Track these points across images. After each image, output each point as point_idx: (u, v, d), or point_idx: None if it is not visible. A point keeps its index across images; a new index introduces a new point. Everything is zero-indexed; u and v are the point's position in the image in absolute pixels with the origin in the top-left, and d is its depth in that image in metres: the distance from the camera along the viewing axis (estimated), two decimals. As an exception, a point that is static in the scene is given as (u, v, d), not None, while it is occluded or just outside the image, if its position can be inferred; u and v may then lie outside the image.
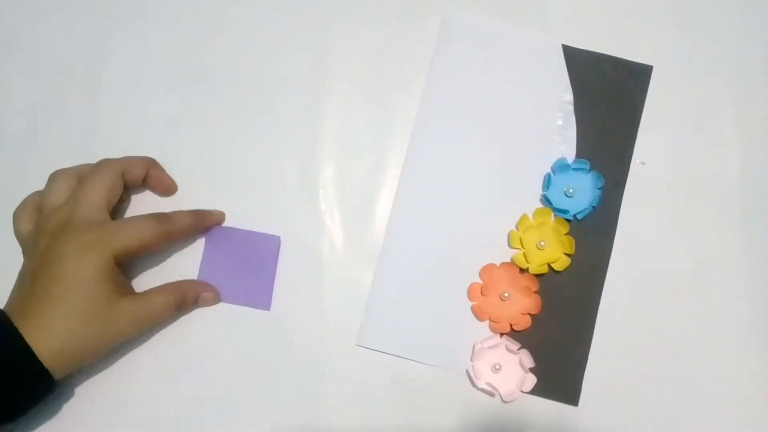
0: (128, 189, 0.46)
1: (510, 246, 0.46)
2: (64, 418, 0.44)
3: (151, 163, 0.46)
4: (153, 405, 0.45)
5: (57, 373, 0.39)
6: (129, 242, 0.41)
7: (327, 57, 0.49)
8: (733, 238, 0.47)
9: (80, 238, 0.40)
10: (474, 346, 0.45)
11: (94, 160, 0.47)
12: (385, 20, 0.49)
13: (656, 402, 0.45)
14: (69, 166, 0.45)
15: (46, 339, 0.38)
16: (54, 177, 0.44)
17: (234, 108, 0.48)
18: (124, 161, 0.44)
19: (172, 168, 0.47)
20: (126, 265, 0.43)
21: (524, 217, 0.46)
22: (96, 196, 0.42)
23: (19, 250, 0.43)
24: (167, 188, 0.47)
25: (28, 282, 0.40)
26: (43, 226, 0.42)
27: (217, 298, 0.46)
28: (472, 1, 0.49)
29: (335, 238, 0.47)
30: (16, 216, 0.44)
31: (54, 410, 0.44)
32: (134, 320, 0.41)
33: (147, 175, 0.45)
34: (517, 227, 0.47)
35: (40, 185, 0.46)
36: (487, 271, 0.46)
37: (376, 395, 0.45)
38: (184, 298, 0.44)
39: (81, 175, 0.44)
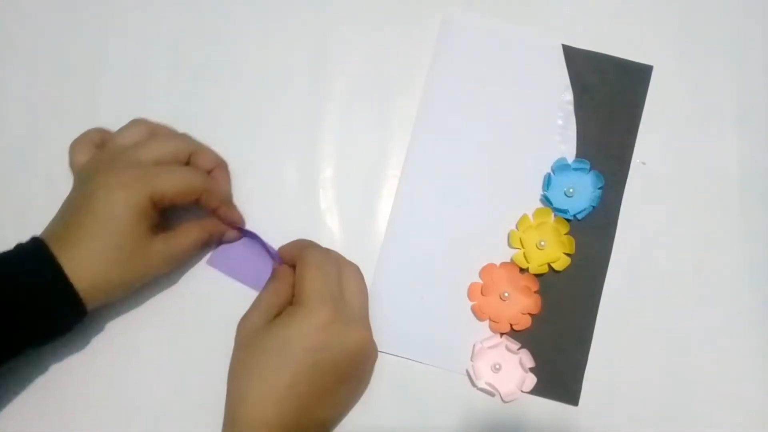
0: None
1: (510, 246, 0.46)
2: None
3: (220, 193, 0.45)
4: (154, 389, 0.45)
5: (88, 304, 0.39)
6: (167, 188, 0.41)
7: (327, 57, 0.49)
8: (732, 237, 0.47)
9: (120, 174, 0.41)
10: (474, 346, 0.45)
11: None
12: (385, 20, 0.49)
13: (656, 402, 0.45)
14: (69, 164, 0.45)
15: (80, 270, 0.39)
16: (132, 122, 0.45)
17: (234, 108, 0.48)
18: (205, 179, 0.44)
19: (172, 168, 0.47)
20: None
21: (524, 217, 0.46)
22: (156, 151, 0.42)
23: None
24: (232, 221, 0.46)
25: (69, 211, 0.41)
26: (95, 159, 0.43)
27: (239, 236, 0.46)
28: (472, 1, 0.49)
29: (335, 238, 0.47)
30: (74, 147, 0.44)
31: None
32: (165, 258, 0.42)
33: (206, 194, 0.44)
34: (517, 227, 0.47)
35: (41, 184, 0.46)
36: (487, 271, 0.46)
37: (376, 395, 0.45)
38: (210, 236, 0.45)
39: (156, 133, 0.45)
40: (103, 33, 0.49)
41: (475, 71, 0.49)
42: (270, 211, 0.47)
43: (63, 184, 0.46)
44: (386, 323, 0.46)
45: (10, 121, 0.48)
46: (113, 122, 0.48)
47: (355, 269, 0.44)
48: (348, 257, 0.46)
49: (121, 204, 0.40)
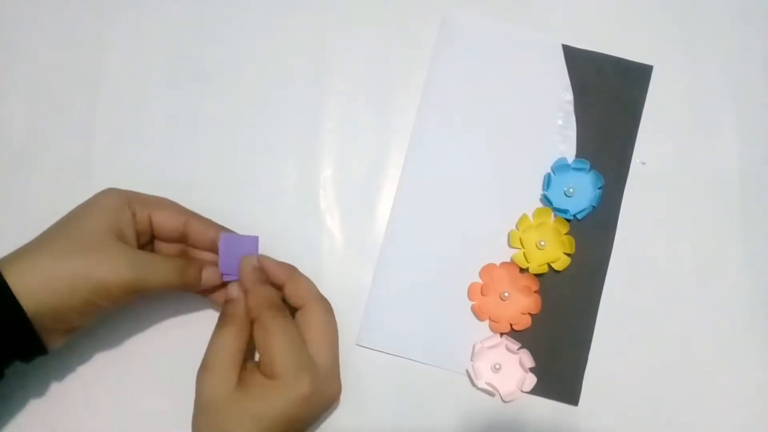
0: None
1: (510, 246, 0.46)
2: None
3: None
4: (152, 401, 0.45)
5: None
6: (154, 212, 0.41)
7: (327, 57, 0.49)
8: (732, 237, 0.47)
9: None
10: (474, 346, 0.45)
11: (93, 161, 0.47)
12: (385, 20, 0.49)
13: (656, 402, 0.45)
14: (69, 166, 0.45)
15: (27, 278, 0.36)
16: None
17: (234, 108, 0.48)
18: None
19: (172, 168, 0.47)
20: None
21: (524, 217, 0.46)
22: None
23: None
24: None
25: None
26: None
27: (218, 277, 0.42)
28: (472, 1, 0.49)
29: (335, 238, 0.47)
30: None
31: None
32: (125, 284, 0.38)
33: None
34: (517, 227, 0.47)
35: (41, 185, 0.46)
36: (487, 271, 0.46)
37: (375, 395, 0.45)
38: (185, 278, 0.41)
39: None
40: (103, 33, 0.49)
41: (475, 71, 0.49)
42: (270, 211, 0.47)
43: (63, 185, 0.47)
44: (386, 323, 0.46)
45: (10, 122, 0.48)
46: (113, 122, 0.48)
47: (322, 311, 0.42)
48: (348, 257, 0.46)
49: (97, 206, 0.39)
